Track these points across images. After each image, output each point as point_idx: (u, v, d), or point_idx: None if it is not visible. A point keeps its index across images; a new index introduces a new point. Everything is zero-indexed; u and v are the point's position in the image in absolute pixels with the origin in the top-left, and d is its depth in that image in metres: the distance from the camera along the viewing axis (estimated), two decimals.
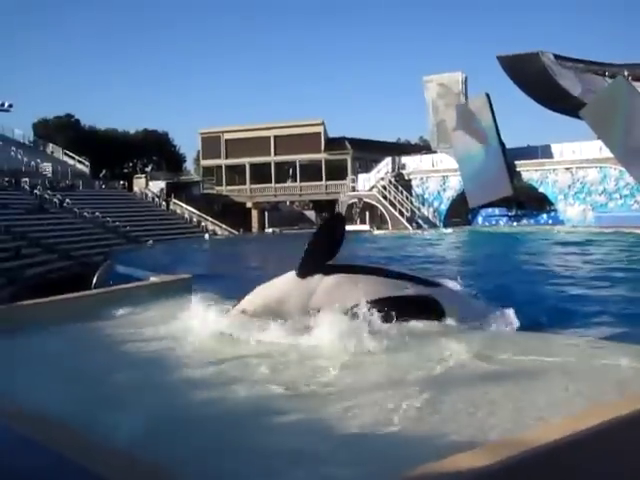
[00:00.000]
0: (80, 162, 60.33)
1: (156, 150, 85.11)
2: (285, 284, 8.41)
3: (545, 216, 44.92)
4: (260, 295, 8.46)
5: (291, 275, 8.41)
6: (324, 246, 8.38)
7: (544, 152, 44.98)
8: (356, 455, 4.52)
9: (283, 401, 5.71)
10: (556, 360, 6.77)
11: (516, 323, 8.22)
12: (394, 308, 7.68)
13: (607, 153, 41.03)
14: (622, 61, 45.97)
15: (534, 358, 6.86)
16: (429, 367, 6.58)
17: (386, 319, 7.57)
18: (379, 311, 7.54)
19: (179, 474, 3.89)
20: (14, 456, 3.99)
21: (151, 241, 43.13)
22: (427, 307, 8.22)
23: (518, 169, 45.01)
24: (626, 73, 44.15)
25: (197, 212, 56.96)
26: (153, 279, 12.65)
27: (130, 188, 61.40)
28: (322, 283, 8.18)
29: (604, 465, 3.65)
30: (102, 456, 3.77)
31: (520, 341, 7.88)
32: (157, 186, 61.82)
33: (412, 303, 8.17)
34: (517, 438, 3.73)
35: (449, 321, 8.10)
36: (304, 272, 8.28)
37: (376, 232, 44.43)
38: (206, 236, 50.67)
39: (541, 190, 44.83)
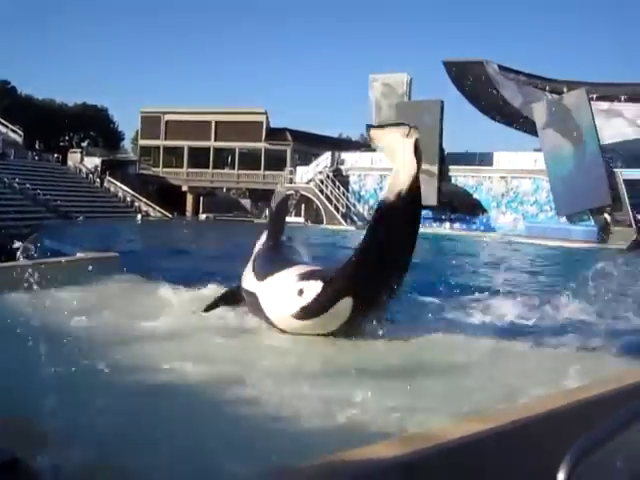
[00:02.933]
0: (13, 131, 58.66)
1: (94, 125, 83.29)
2: None
3: (477, 222, 45.63)
4: None
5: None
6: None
7: (482, 159, 45.75)
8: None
9: None
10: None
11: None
12: None
13: (541, 165, 42.02)
14: (564, 78, 47.17)
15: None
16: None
17: None
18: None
19: None
20: None
21: (82, 217, 42.40)
22: None
23: (455, 174, 45.74)
24: (565, 89, 45.31)
25: (131, 192, 56.17)
26: (80, 255, 12.47)
27: (64, 162, 60.13)
28: None
29: (510, 462, 3.77)
30: None
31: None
32: (92, 162, 60.68)
33: None
34: (428, 432, 3.83)
35: None
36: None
37: (309, 225, 44.60)
38: (138, 217, 50.08)
39: (475, 196, 45.63)
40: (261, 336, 7.79)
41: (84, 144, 75.84)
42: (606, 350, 7.32)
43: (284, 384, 5.90)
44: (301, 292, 7.45)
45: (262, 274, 8.32)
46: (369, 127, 7.94)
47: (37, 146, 61.22)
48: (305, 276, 7.71)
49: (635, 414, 2.47)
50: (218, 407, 5.26)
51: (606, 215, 38.82)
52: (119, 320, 7.92)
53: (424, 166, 35.57)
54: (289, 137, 59.30)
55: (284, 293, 7.64)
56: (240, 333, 7.79)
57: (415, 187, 7.28)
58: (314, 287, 7.43)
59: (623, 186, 38.78)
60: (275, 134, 59.38)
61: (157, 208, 55.06)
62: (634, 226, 37.86)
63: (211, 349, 6.95)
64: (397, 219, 7.41)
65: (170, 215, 54.55)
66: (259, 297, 8.03)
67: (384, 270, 7.46)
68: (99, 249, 14.22)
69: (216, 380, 5.87)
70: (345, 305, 7.39)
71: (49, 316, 7.75)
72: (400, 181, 7.27)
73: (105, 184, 57.38)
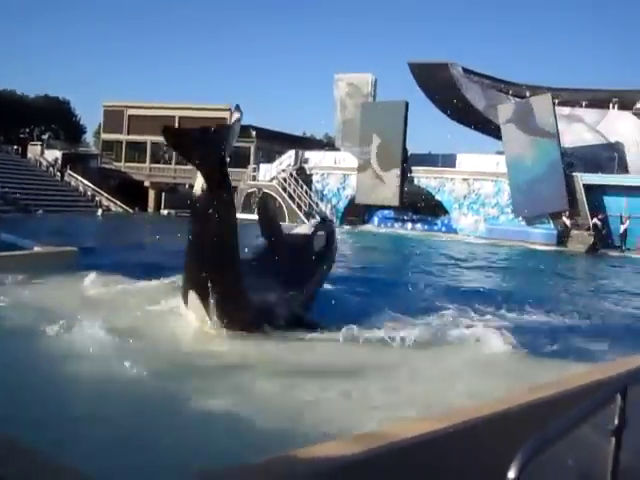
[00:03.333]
0: None
1: (55, 118, 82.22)
2: None
3: (439, 223, 45.84)
4: None
5: None
6: None
7: (444, 161, 46.00)
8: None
9: None
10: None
11: None
12: None
13: (503, 168, 42.40)
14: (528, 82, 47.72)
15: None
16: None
17: None
18: None
19: None
20: None
21: (41, 211, 41.83)
22: None
23: (417, 175, 45.97)
24: (528, 94, 45.80)
25: (92, 186, 55.52)
26: (37, 249, 12.34)
27: (24, 154, 59.22)
28: None
29: (461, 462, 3.80)
30: None
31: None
32: (53, 155, 59.83)
33: None
34: (381, 431, 3.85)
35: None
36: None
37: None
38: (99, 212, 49.53)
39: (438, 197, 45.87)
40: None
41: (45, 137, 74.74)
42: (555, 352, 7.44)
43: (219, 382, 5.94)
44: None
45: None
46: (164, 129, 8.14)
47: None
48: None
49: (582, 415, 2.50)
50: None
51: (565, 219, 39.30)
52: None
53: (388, 168, 35.76)
54: (253, 134, 59.01)
55: None
56: None
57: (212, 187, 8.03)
58: None
59: (582, 190, 39.30)
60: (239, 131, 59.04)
61: (118, 203, 54.50)
62: (592, 230, 38.39)
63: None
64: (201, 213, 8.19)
65: (131, 210, 54.04)
66: None
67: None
68: (57, 243, 14.05)
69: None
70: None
71: None
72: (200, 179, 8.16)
73: (66, 178, 56.61)
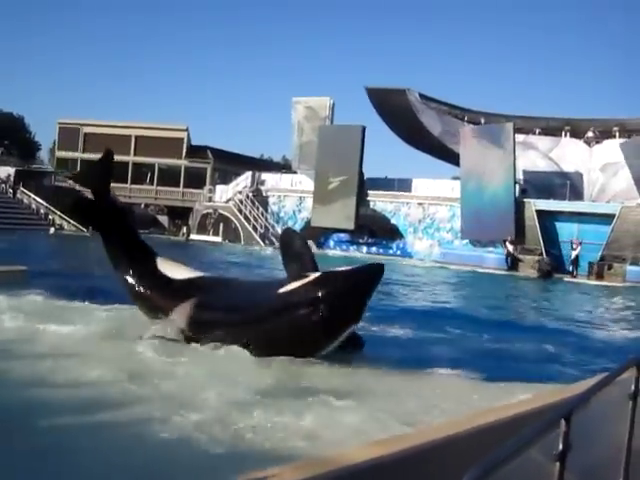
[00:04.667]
0: None
1: (9, 134, 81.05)
2: None
3: (395, 247, 46.14)
4: None
5: None
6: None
7: (400, 185, 46.37)
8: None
9: None
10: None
11: None
12: None
13: (458, 193, 42.92)
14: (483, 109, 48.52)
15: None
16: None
17: None
18: None
19: None
20: None
21: None
22: None
23: (373, 199, 46.26)
24: (482, 120, 46.57)
25: (45, 204, 54.77)
26: None
27: None
28: None
29: None
30: None
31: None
32: (5, 171, 58.83)
33: None
34: (329, 457, 3.82)
35: None
36: None
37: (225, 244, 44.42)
38: (51, 230, 48.85)
39: (393, 221, 46.21)
40: None
41: None
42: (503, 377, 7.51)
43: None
44: None
45: None
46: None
47: None
48: None
49: (528, 440, 2.51)
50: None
51: (508, 245, 39.63)
52: None
53: (344, 192, 35.93)
54: (210, 155, 58.95)
55: None
56: None
57: None
58: None
59: (535, 216, 39.91)
60: (196, 151, 58.96)
61: (72, 222, 53.78)
62: (544, 255, 38.93)
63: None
64: None
65: (85, 229, 53.36)
66: None
67: None
68: (6, 262, 13.81)
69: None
70: None
71: None
72: None
73: (18, 195, 55.77)
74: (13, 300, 10.11)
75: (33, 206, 54.87)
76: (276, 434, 5.25)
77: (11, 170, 59.15)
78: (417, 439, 3.92)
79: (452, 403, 6.37)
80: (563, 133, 46.47)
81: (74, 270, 19.64)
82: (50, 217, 53.77)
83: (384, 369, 7.92)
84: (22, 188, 56.14)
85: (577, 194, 43.30)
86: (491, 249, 41.49)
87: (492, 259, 40.29)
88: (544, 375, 8.36)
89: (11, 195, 55.54)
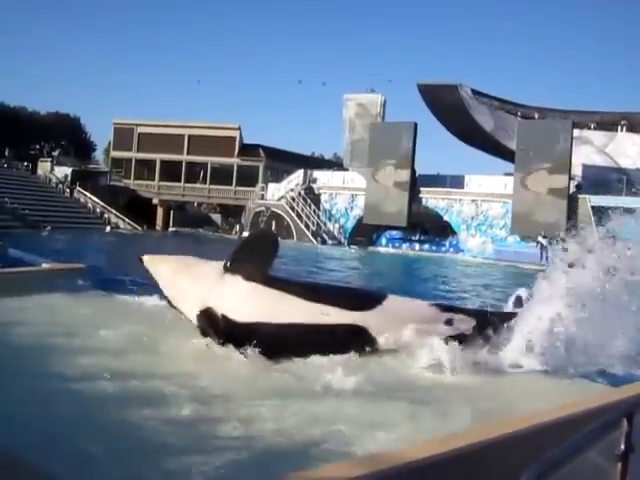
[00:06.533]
0: None
1: (66, 135, 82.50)
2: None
3: (447, 244, 45.74)
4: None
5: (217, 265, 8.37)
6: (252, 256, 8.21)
7: (452, 182, 45.99)
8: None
9: None
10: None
11: None
12: None
13: (510, 190, 42.41)
14: (536, 104, 47.84)
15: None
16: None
17: None
18: None
19: None
20: None
21: (49, 228, 41.96)
22: None
23: (425, 196, 46.01)
24: (536, 115, 45.94)
25: (101, 203, 55.76)
26: (45, 265, 12.35)
27: (34, 171, 59.59)
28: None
29: None
30: None
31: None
32: (62, 172, 60.08)
33: None
34: (386, 453, 3.83)
35: None
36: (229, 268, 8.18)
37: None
38: (107, 229, 49.71)
39: (446, 218, 45.85)
40: None
41: (55, 153, 75.10)
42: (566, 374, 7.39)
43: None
44: None
45: None
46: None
47: (6, 154, 60.51)
48: None
49: (589, 440, 2.48)
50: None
51: (540, 239, 38.74)
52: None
53: (396, 188, 35.63)
54: (262, 153, 59.26)
55: None
56: None
57: None
58: None
59: (591, 212, 39.23)
60: (248, 150, 59.31)
61: (127, 220, 54.68)
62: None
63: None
64: None
65: (139, 228, 54.20)
66: None
67: None
68: (66, 260, 14.10)
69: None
70: None
71: None
72: None
73: (75, 194, 56.90)
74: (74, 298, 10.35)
75: (89, 205, 55.94)
76: None
77: (68, 170, 60.39)
78: (475, 437, 3.90)
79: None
80: (619, 128, 45.53)
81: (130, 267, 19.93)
82: (106, 216, 54.73)
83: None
84: (78, 188, 57.26)
85: (634, 190, 42.39)
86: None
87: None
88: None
89: (68, 195, 56.67)
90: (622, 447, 2.63)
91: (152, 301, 9.95)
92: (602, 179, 42.87)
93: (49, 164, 61.64)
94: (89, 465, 4.40)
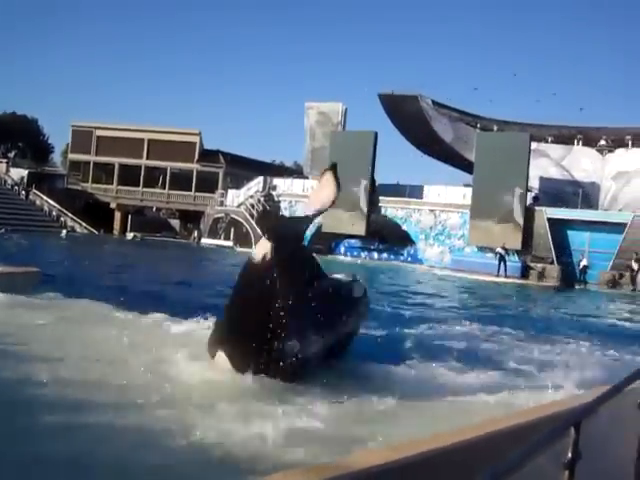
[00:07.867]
0: None
1: (23, 136, 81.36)
2: None
3: (405, 253, 46.04)
4: None
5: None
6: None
7: (412, 191, 46.29)
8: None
9: None
10: None
11: None
12: None
13: (469, 200, 42.80)
14: (495, 116, 48.42)
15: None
16: None
17: None
18: None
19: None
20: None
21: (3, 230, 41.28)
22: None
23: (385, 205, 46.25)
24: (495, 128, 46.51)
25: (58, 206, 55.05)
26: None
27: None
28: None
29: None
30: None
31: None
32: (18, 174, 59.24)
33: None
34: (337, 463, 3.84)
35: None
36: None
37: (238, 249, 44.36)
38: (63, 232, 49.07)
39: (404, 228, 46.11)
40: None
41: (11, 155, 74.02)
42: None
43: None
44: None
45: None
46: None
47: None
48: None
49: (537, 448, 2.53)
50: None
51: (499, 249, 39.09)
52: None
53: (356, 198, 35.60)
54: (222, 159, 59.14)
55: None
56: None
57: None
58: None
59: (547, 224, 39.77)
60: (208, 156, 59.14)
61: (83, 224, 54.08)
62: (555, 265, 38.81)
63: None
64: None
65: (97, 232, 53.64)
66: None
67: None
68: (20, 264, 13.89)
69: None
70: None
71: None
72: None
73: (31, 197, 56.11)
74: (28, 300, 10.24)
75: (45, 208, 55.19)
76: None
77: (24, 172, 59.56)
78: (427, 445, 3.94)
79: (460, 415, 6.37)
80: (575, 141, 46.30)
81: (87, 270, 19.73)
82: (62, 219, 54.04)
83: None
84: (35, 190, 56.47)
85: (589, 203, 43.14)
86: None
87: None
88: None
89: (24, 197, 55.87)
90: (569, 455, 2.68)
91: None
92: (558, 192, 43.57)
93: (5, 165, 60.72)
94: None
